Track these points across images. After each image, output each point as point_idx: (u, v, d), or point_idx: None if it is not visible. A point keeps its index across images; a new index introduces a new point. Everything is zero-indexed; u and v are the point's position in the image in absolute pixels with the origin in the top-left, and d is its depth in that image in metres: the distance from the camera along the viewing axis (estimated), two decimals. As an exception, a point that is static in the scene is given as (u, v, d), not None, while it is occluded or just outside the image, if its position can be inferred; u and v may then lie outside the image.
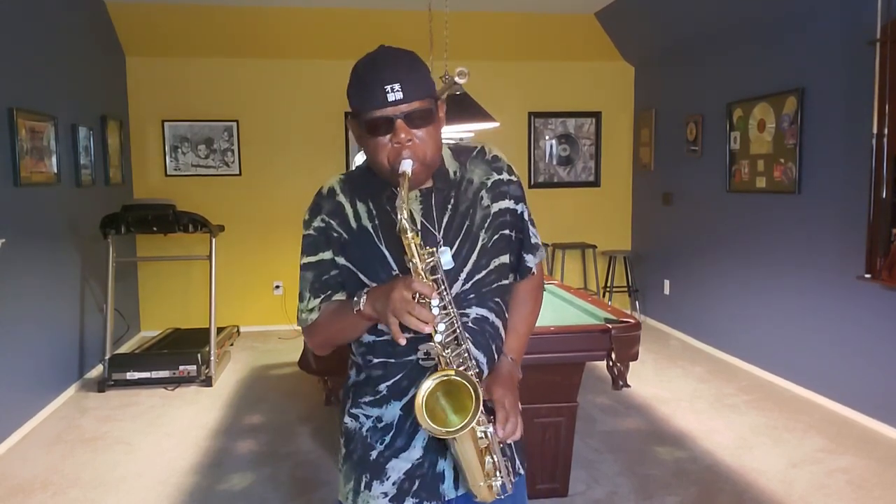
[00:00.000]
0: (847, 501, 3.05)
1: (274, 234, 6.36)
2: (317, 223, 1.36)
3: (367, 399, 1.39)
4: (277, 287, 6.48)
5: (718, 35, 5.26)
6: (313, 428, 4.00)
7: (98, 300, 5.25)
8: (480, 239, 1.35)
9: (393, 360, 1.34)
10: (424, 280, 1.18)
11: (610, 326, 2.79)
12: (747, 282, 5.06)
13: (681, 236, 6.02)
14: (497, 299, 1.39)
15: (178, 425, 4.09)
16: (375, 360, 1.36)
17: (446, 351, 1.22)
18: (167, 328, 5.99)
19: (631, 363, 2.86)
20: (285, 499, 3.16)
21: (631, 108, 6.80)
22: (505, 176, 1.41)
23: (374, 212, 1.34)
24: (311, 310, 1.38)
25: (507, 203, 1.40)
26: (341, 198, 1.36)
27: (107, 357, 4.80)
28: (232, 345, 5.86)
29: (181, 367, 4.78)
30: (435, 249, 1.23)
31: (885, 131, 3.70)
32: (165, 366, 4.80)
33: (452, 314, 1.23)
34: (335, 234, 1.35)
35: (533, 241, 1.46)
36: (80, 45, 5.18)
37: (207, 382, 4.82)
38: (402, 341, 1.16)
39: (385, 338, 1.34)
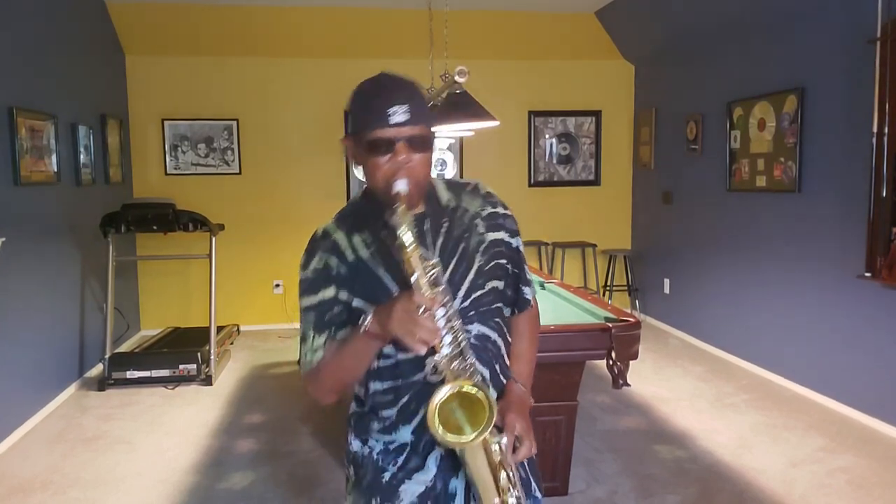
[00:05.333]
0: (847, 501, 3.05)
1: (274, 233, 6.36)
2: (314, 264, 1.34)
3: (375, 427, 1.37)
4: (277, 286, 6.48)
5: (718, 34, 5.26)
6: (313, 427, 4.00)
7: (98, 299, 5.25)
8: (477, 261, 1.36)
9: (400, 382, 1.33)
10: (427, 292, 1.17)
11: (610, 325, 2.79)
12: (747, 281, 5.06)
13: (681, 235, 6.01)
14: (497, 319, 1.40)
15: (178, 424, 4.09)
16: (381, 387, 1.34)
17: (453, 364, 1.20)
18: (167, 327, 5.99)
19: (631, 362, 2.86)
20: (285, 497, 3.16)
21: (631, 107, 6.80)
22: (500, 210, 1.43)
23: (369, 240, 1.33)
24: (317, 349, 1.34)
25: (502, 235, 1.42)
26: (337, 235, 1.36)
27: (107, 356, 4.80)
28: (232, 343, 5.86)
29: (181, 366, 4.78)
30: (437, 260, 1.22)
31: (886, 130, 3.70)
32: (165, 365, 4.80)
33: (457, 326, 1.22)
34: (334, 271, 1.33)
35: (528, 275, 1.50)
36: (80, 45, 5.18)
37: (207, 381, 4.83)
38: (422, 350, 1.14)
39: (389, 362, 1.33)
